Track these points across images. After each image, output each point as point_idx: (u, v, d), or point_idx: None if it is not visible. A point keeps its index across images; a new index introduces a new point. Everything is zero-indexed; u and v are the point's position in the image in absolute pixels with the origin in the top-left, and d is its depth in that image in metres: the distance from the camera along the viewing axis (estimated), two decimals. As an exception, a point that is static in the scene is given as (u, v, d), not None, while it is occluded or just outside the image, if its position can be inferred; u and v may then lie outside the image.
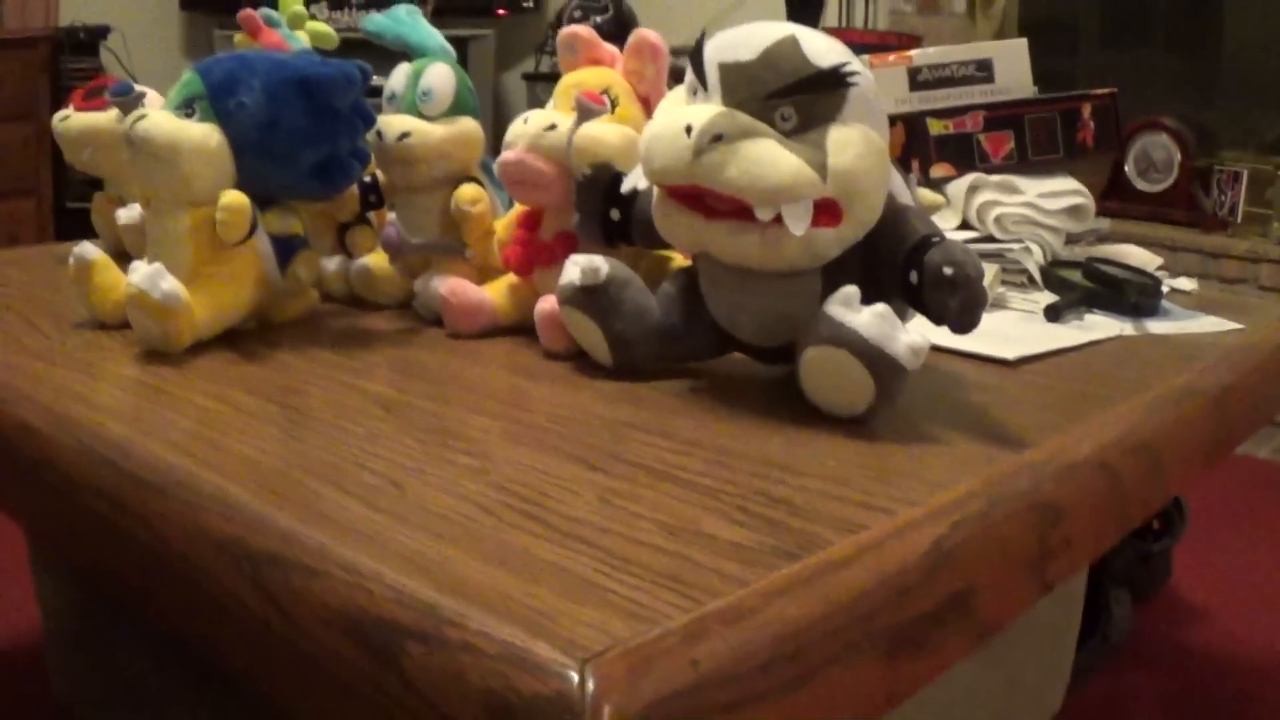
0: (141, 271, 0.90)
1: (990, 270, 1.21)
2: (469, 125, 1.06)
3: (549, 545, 0.59)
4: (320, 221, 1.12)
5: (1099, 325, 1.13)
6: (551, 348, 0.95)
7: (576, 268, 0.88)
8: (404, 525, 0.61)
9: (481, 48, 4.04)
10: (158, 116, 0.93)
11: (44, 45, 3.63)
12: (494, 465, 0.71)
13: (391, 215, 1.14)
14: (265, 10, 1.24)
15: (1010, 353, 0.99)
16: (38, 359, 0.92)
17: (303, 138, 0.95)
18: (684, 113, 0.78)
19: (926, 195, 1.30)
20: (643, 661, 0.48)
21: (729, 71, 0.78)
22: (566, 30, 1.03)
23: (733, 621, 0.52)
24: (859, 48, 0.83)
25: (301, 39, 1.26)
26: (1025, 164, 1.36)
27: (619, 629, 0.50)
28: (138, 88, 0.99)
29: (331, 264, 1.13)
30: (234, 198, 0.92)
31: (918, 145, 1.35)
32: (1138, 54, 3.50)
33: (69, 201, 3.67)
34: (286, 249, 1.00)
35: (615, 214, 0.93)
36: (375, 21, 1.10)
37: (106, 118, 1.25)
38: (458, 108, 1.06)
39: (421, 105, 1.04)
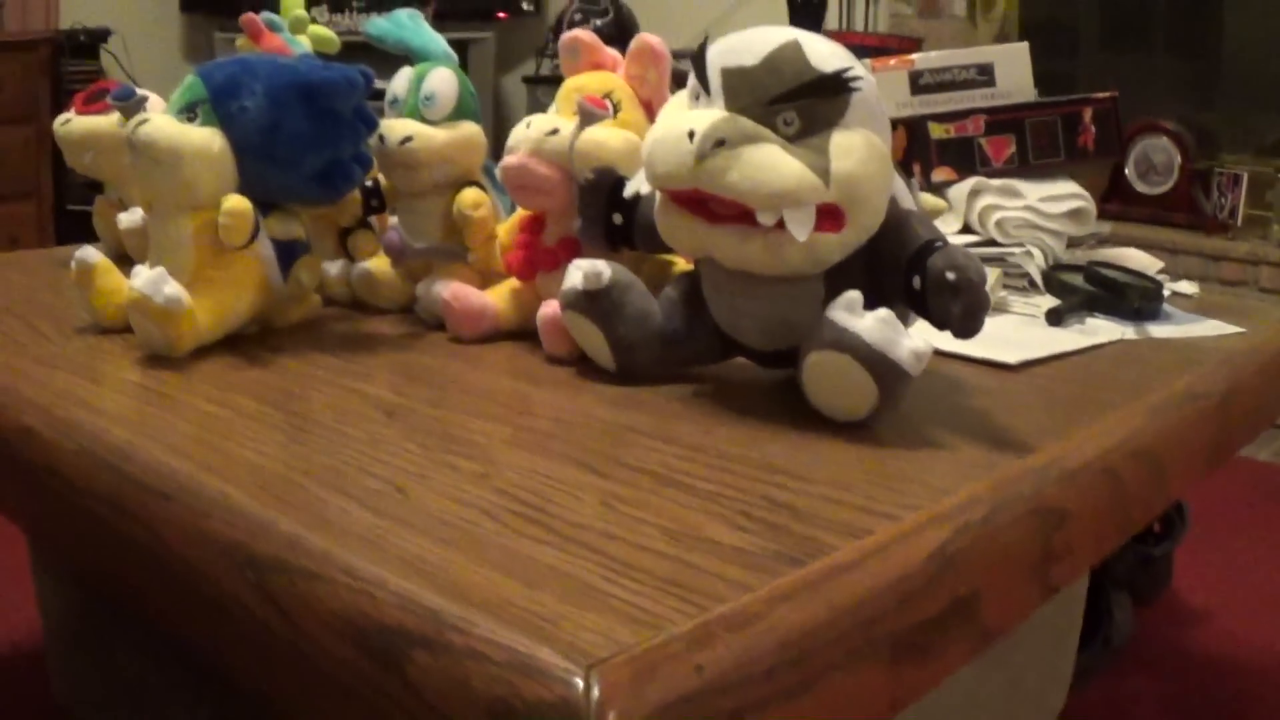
0: (144, 276, 0.90)
1: (992, 274, 1.21)
2: (471, 130, 1.06)
3: (552, 551, 0.59)
4: (321, 225, 1.12)
5: (1100, 329, 1.13)
6: (554, 352, 0.95)
7: (579, 272, 0.88)
8: (407, 530, 0.61)
9: (481, 51, 4.04)
10: (160, 121, 0.93)
11: (44, 47, 3.63)
12: (497, 470, 0.71)
13: (393, 219, 1.14)
14: (267, 14, 1.24)
15: (1012, 357, 0.99)
16: (40, 363, 0.92)
17: (305, 142, 0.95)
18: (687, 117, 0.78)
19: (929, 200, 1.30)
20: (647, 667, 0.48)
21: (731, 76, 0.78)
22: (568, 35, 1.03)
23: (737, 627, 0.52)
24: (859, 50, 0.83)
25: (303, 43, 1.26)
26: (1026, 168, 1.36)
27: (623, 635, 0.50)
28: (139, 91, 0.99)
29: (333, 268, 1.13)
30: (236, 202, 0.92)
31: (919, 149, 1.35)
32: (1138, 56, 3.51)
33: (69, 204, 3.67)
34: (288, 253, 1.00)
35: (618, 218, 0.93)
36: (377, 26, 1.10)
37: (108, 121, 1.25)
38: (460, 112, 1.06)
39: (424, 109, 1.05)
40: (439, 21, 1.13)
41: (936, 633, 0.62)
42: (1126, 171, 3.11)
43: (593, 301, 0.88)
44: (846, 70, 0.77)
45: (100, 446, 0.75)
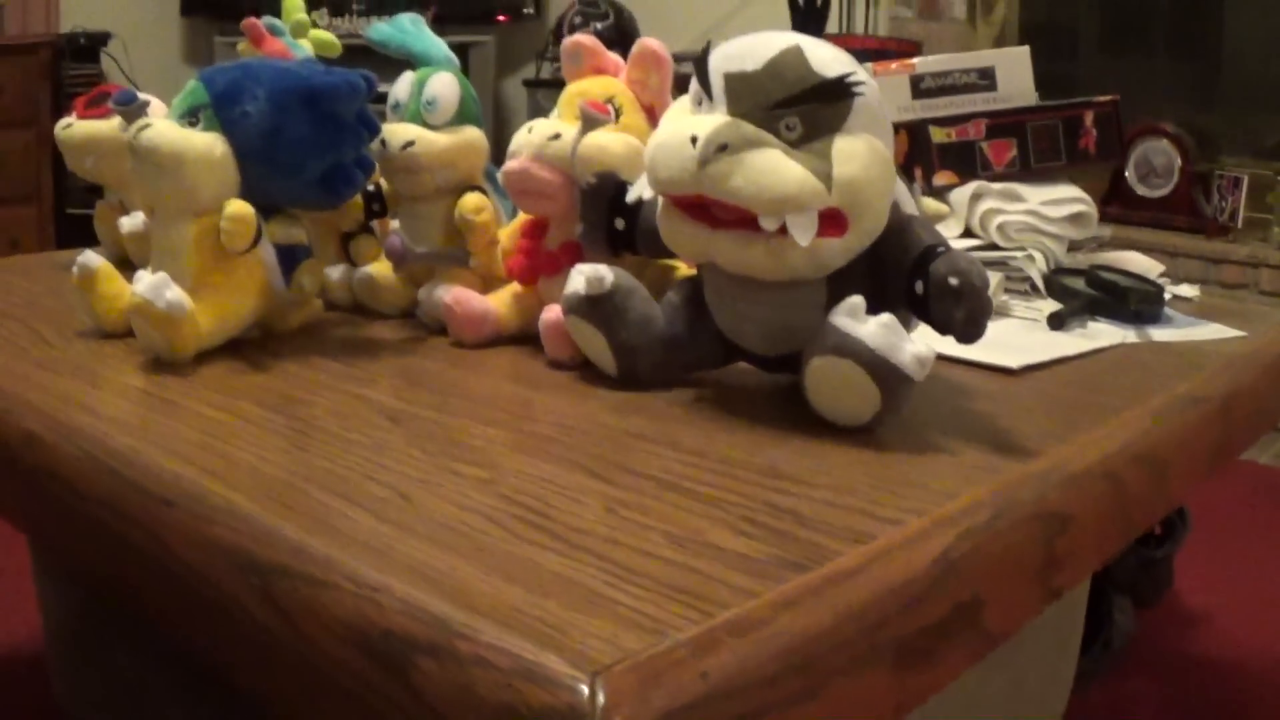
0: (146, 281, 0.90)
1: (993, 278, 1.21)
2: (473, 134, 1.07)
3: (557, 557, 0.59)
4: (323, 230, 1.12)
5: (1102, 333, 1.13)
6: (556, 357, 0.95)
7: (581, 277, 0.88)
8: (412, 537, 0.61)
9: (482, 54, 4.04)
10: (162, 126, 0.93)
11: (45, 51, 3.63)
12: (500, 476, 0.71)
13: (395, 224, 1.14)
14: (269, 18, 1.24)
15: (1014, 361, 0.99)
16: (41, 367, 0.92)
17: (307, 147, 0.95)
18: (689, 123, 0.78)
19: (931, 204, 1.30)
20: (653, 674, 0.48)
21: (734, 81, 0.78)
22: (570, 40, 1.04)
23: (742, 633, 0.52)
24: (858, 53, 0.83)
25: (305, 47, 1.26)
26: (1028, 171, 1.36)
27: (629, 641, 0.50)
28: (141, 96, 0.99)
29: (335, 273, 1.13)
30: (239, 207, 0.92)
31: (920, 153, 1.35)
32: (1138, 58, 3.51)
33: (70, 207, 3.67)
34: (290, 258, 1.00)
35: (620, 223, 0.93)
36: (379, 30, 1.10)
37: (109, 126, 1.25)
38: (462, 117, 1.06)
39: (426, 114, 1.05)
40: (439, 25, 1.13)
41: (940, 637, 0.62)
42: (1127, 174, 3.11)
43: (595, 306, 0.88)
44: (849, 75, 0.77)
45: (102, 451, 0.75)
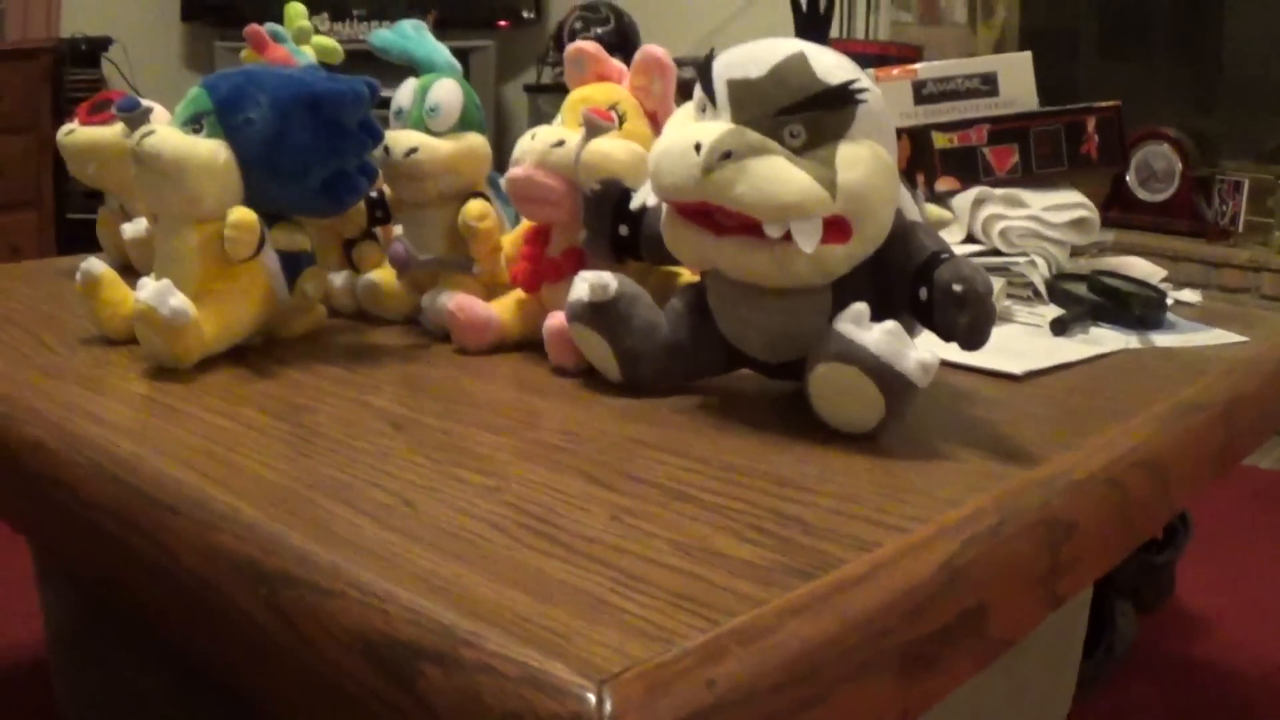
0: (150, 288, 0.90)
1: (996, 284, 1.21)
2: (476, 141, 1.07)
3: (563, 565, 0.59)
4: (326, 236, 1.12)
5: (1104, 338, 1.13)
6: (560, 364, 0.96)
7: (586, 284, 0.88)
8: (418, 545, 0.61)
9: (483, 59, 4.04)
10: (165, 132, 0.93)
11: (45, 56, 3.63)
12: (505, 483, 0.71)
13: (398, 230, 1.14)
14: (271, 25, 1.24)
15: (1017, 367, 0.99)
16: (45, 374, 0.92)
17: (310, 154, 0.95)
18: (693, 130, 0.78)
19: (934, 211, 1.30)
20: (660, 682, 0.48)
21: (738, 88, 0.78)
22: (573, 46, 1.04)
23: (749, 641, 0.52)
24: (859, 58, 0.83)
25: (308, 54, 1.26)
26: (1030, 177, 1.37)
27: (635, 649, 0.50)
28: (144, 103, 0.99)
29: (338, 279, 1.13)
30: (243, 215, 0.92)
31: (922, 158, 1.35)
32: (1138, 63, 3.51)
33: (70, 213, 3.67)
34: (294, 265, 1.00)
35: (624, 230, 0.93)
36: (381, 37, 1.11)
37: (111, 132, 1.25)
38: (465, 123, 1.06)
39: (429, 121, 1.05)
40: (440, 30, 1.13)
41: (945, 645, 0.62)
42: (1127, 179, 3.12)
43: (599, 313, 0.88)
44: (853, 82, 0.77)
45: (106, 458, 0.75)
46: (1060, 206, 1.33)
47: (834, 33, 3.42)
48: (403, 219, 1.11)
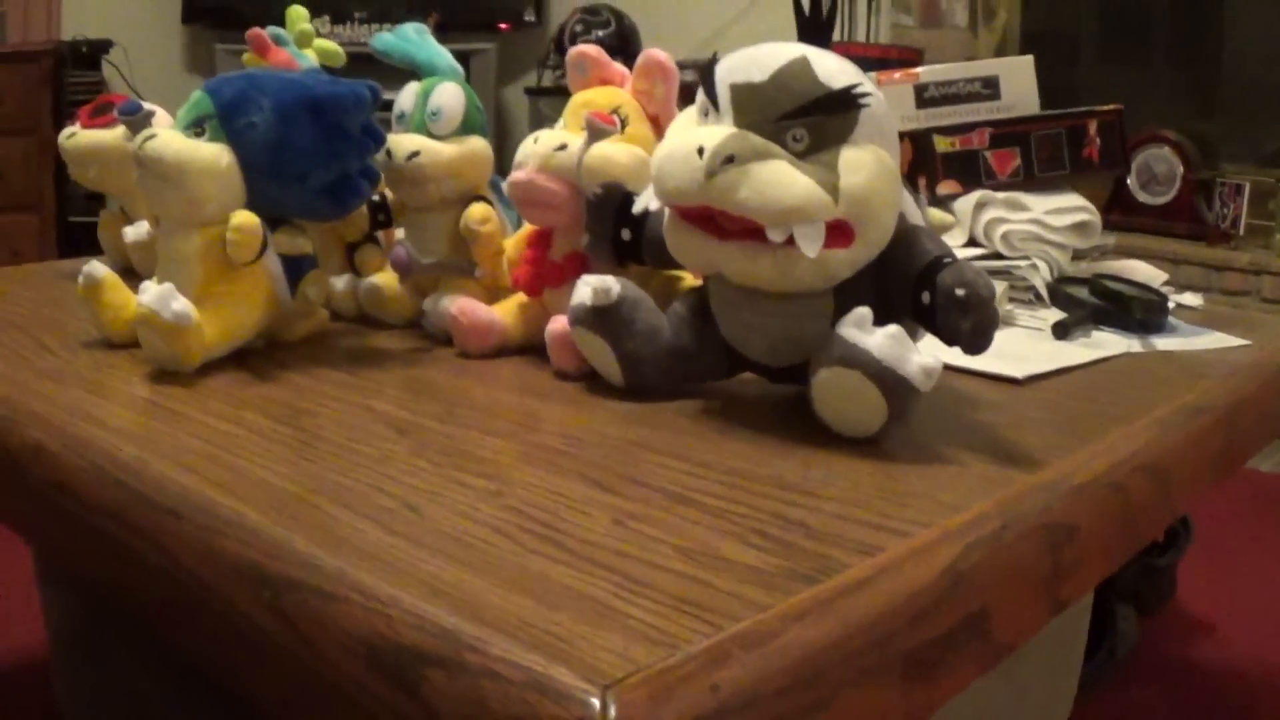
0: (152, 292, 0.90)
1: (998, 288, 1.21)
2: (478, 144, 1.07)
3: (566, 569, 0.59)
4: (328, 240, 1.12)
5: (1106, 342, 1.13)
6: (562, 368, 0.95)
7: (588, 288, 0.88)
8: (421, 549, 0.61)
9: (483, 62, 4.05)
10: (167, 136, 0.93)
11: (46, 59, 3.64)
12: (508, 487, 0.71)
13: (400, 234, 1.14)
14: (273, 29, 1.24)
15: (1019, 371, 0.99)
16: (47, 378, 0.92)
17: (313, 157, 0.95)
18: (696, 134, 0.78)
19: (937, 215, 1.30)
20: (664, 687, 0.48)
21: (740, 92, 0.78)
22: (576, 50, 1.04)
23: (752, 646, 0.52)
24: (860, 62, 0.83)
25: (310, 57, 1.26)
26: (1031, 181, 1.37)
27: (639, 654, 0.50)
28: (146, 106, 1.00)
29: (340, 283, 1.13)
30: (245, 218, 0.92)
31: (924, 162, 1.35)
32: (1139, 66, 3.51)
33: (71, 216, 3.67)
34: (296, 268, 1.00)
35: (626, 234, 0.93)
36: (383, 40, 1.11)
37: (113, 135, 1.25)
38: (467, 127, 1.06)
39: (431, 124, 1.05)
40: (440, 32, 1.13)
41: (948, 649, 0.62)
42: (1129, 181, 3.12)
43: (601, 317, 0.88)
44: (855, 86, 0.77)
45: (109, 462, 0.75)
46: (1062, 210, 1.33)
47: (835, 36, 3.42)
48: (405, 222, 1.11)
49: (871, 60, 2.86)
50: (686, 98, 0.86)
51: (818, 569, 0.60)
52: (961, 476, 0.75)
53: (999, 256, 1.31)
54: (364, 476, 0.72)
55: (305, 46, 1.27)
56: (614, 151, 0.95)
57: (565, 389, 0.93)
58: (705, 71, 0.81)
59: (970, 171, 1.35)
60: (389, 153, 1.03)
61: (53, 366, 0.95)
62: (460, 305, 1.01)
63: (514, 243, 1.06)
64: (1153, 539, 0.99)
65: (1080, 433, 0.85)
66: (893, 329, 0.77)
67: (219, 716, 1.05)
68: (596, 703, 0.47)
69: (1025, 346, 1.10)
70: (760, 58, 0.79)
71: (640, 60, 1.00)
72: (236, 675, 0.64)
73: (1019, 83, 1.43)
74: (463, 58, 1.24)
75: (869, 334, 0.77)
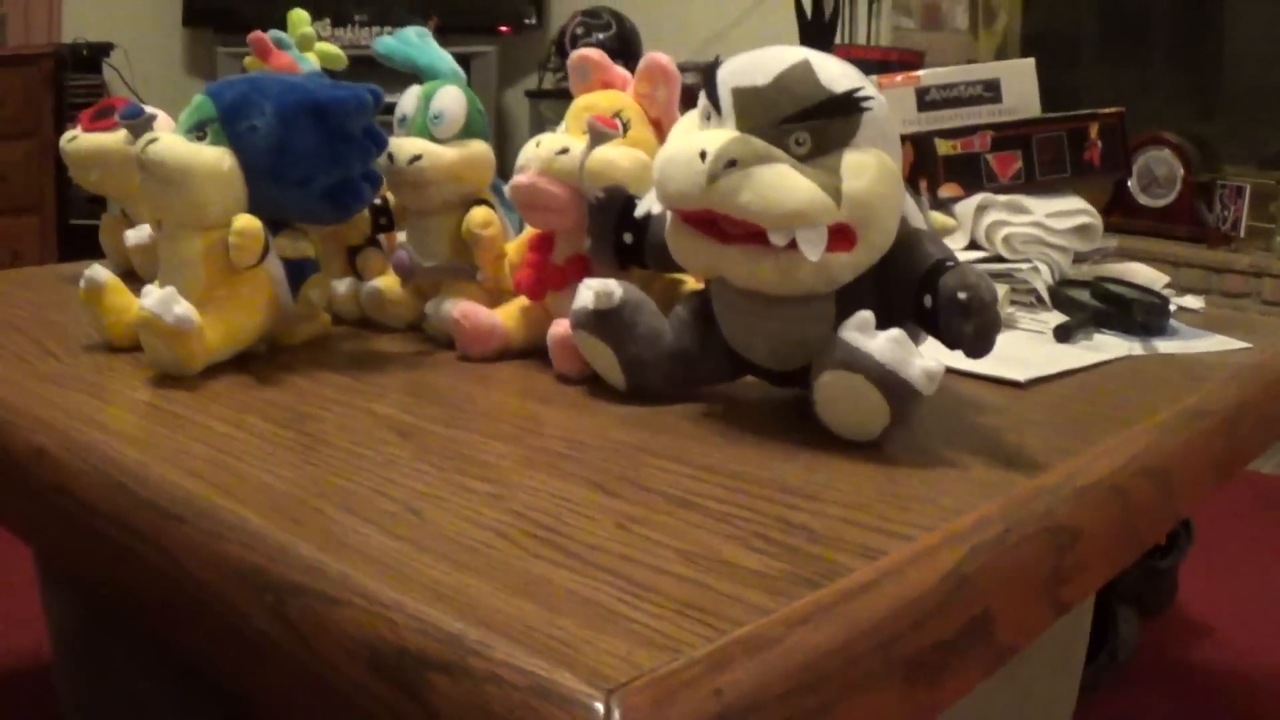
0: (154, 295, 0.90)
1: (999, 290, 1.21)
2: (480, 148, 1.07)
3: (569, 574, 0.59)
4: (330, 244, 1.12)
5: (1107, 345, 1.13)
6: (564, 371, 0.96)
7: (590, 291, 0.88)
8: (424, 554, 0.61)
9: (484, 65, 4.05)
10: (169, 140, 0.93)
11: (47, 62, 3.64)
12: (511, 491, 0.71)
13: (402, 238, 1.14)
14: (275, 32, 1.24)
15: (1021, 374, 0.99)
16: (49, 381, 0.92)
17: (314, 161, 0.95)
18: (698, 138, 0.78)
19: (939, 218, 1.31)
20: (667, 692, 0.48)
21: (743, 96, 0.78)
22: (577, 54, 1.04)
23: (755, 650, 0.52)
24: (861, 64, 0.83)
25: (311, 60, 1.26)
26: (1033, 184, 1.37)
27: (643, 659, 0.50)
28: (148, 110, 1.00)
29: (342, 286, 1.13)
30: (247, 222, 0.92)
31: (926, 165, 1.35)
32: (1139, 68, 3.51)
33: (72, 219, 3.67)
34: (298, 272, 1.00)
35: (628, 237, 0.93)
36: (385, 44, 1.11)
37: (114, 139, 1.25)
38: (469, 130, 1.06)
39: (432, 128, 1.05)
40: (441, 35, 1.14)
41: (951, 653, 0.62)
42: (1129, 184, 3.12)
43: (603, 321, 0.88)
44: (858, 90, 0.77)
45: (112, 467, 0.75)
46: (1063, 213, 1.33)
47: (836, 38, 3.42)
48: (407, 226, 1.11)
49: (872, 63, 2.86)
50: (688, 101, 0.86)
51: (820, 573, 0.60)
52: (964, 480, 0.75)
53: (1000, 259, 1.31)
54: (366, 480, 0.72)
55: (307, 50, 1.27)
56: (616, 155, 0.95)
57: (567, 392, 0.93)
58: (707, 75, 0.81)
59: (972, 174, 1.35)
60: (391, 156, 1.03)
61: (55, 370, 0.95)
62: (462, 309, 1.01)
63: (516, 246, 1.06)
64: (1155, 542, 0.99)
65: (1082, 436, 0.85)
66: (895, 332, 0.77)
67: (223, 716, 1.05)
68: (600, 707, 0.47)
69: (1027, 349, 1.10)
70: (762, 61, 0.79)
71: (642, 64, 1.00)
72: (239, 679, 0.64)
73: (1020, 85, 1.43)
74: (463, 61, 1.24)
75: (871, 337, 0.77)
